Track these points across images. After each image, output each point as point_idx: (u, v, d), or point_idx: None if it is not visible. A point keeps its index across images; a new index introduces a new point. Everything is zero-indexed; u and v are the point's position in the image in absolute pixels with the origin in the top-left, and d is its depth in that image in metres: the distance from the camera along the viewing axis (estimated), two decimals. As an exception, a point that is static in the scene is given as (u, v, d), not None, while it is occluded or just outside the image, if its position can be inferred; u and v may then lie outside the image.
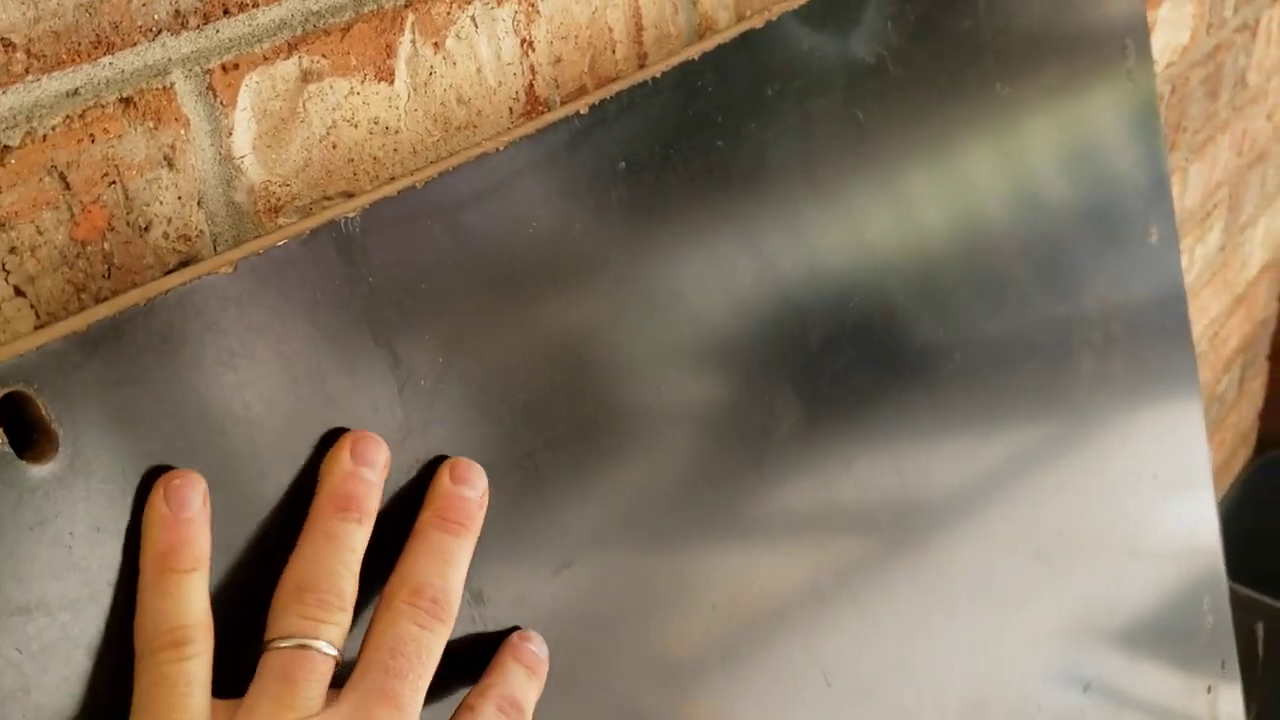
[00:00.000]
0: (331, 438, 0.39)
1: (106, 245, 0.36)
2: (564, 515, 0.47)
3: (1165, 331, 0.90)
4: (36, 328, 0.36)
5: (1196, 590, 0.98)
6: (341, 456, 0.37)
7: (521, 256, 0.44)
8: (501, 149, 0.43)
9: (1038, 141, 0.74)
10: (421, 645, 0.36)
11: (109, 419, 0.34)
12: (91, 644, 0.34)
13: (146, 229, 0.37)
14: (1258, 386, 1.72)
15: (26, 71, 0.34)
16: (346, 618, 0.36)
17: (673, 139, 0.50)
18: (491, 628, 0.44)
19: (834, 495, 0.60)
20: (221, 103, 0.38)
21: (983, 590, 0.72)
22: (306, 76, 0.40)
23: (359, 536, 0.37)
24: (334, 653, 0.35)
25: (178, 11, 0.36)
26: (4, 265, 0.34)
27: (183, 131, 0.37)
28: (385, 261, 0.40)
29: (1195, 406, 0.94)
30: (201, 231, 0.39)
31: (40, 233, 0.35)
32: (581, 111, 0.46)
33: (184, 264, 0.38)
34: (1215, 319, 1.42)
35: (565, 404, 0.46)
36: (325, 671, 0.35)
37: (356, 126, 0.42)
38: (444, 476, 0.40)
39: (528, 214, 0.44)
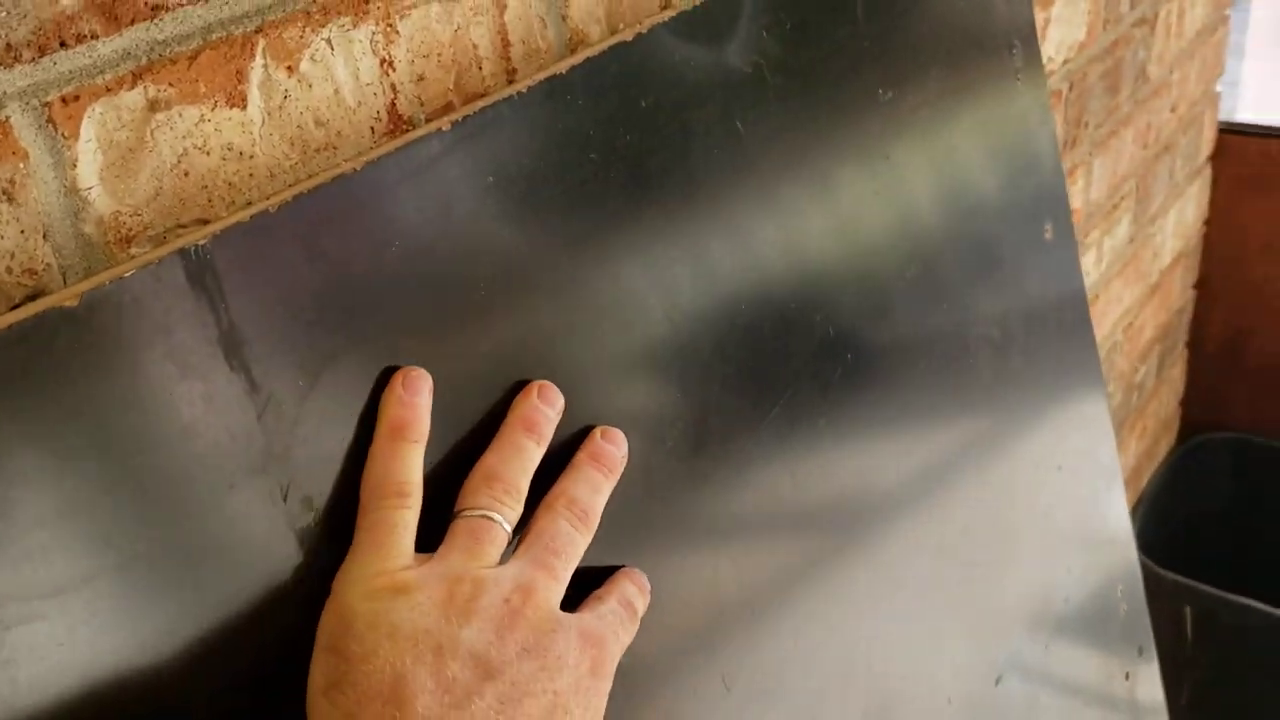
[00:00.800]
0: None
1: (-54, 282, 0.36)
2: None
3: (1064, 325, 0.91)
4: (-125, 368, 0.35)
5: (1110, 579, 1.00)
6: (530, 394, 0.48)
7: (385, 276, 0.44)
8: (359, 169, 0.43)
9: (925, 146, 0.75)
10: (573, 539, 0.46)
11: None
12: None
13: (-12, 264, 0.37)
14: (1177, 374, 1.76)
15: None
16: (520, 507, 0.45)
17: (543, 152, 0.50)
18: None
19: (729, 500, 0.61)
20: (63, 135, 0.38)
21: (889, 588, 0.73)
22: (153, 105, 0.40)
23: (536, 454, 0.47)
24: (509, 529, 0.44)
25: (9, 45, 0.36)
26: None
27: (21, 165, 0.37)
28: (240, 287, 0.40)
29: (1100, 398, 0.96)
30: (49, 265, 0.38)
31: (-127, 272, 0.34)
32: (444, 129, 0.46)
33: (31, 298, 0.38)
34: (1129, 309, 1.45)
35: (439, 421, 0.46)
36: (502, 540, 0.44)
37: (209, 153, 0.42)
38: (597, 435, 0.50)
39: (390, 233, 0.44)
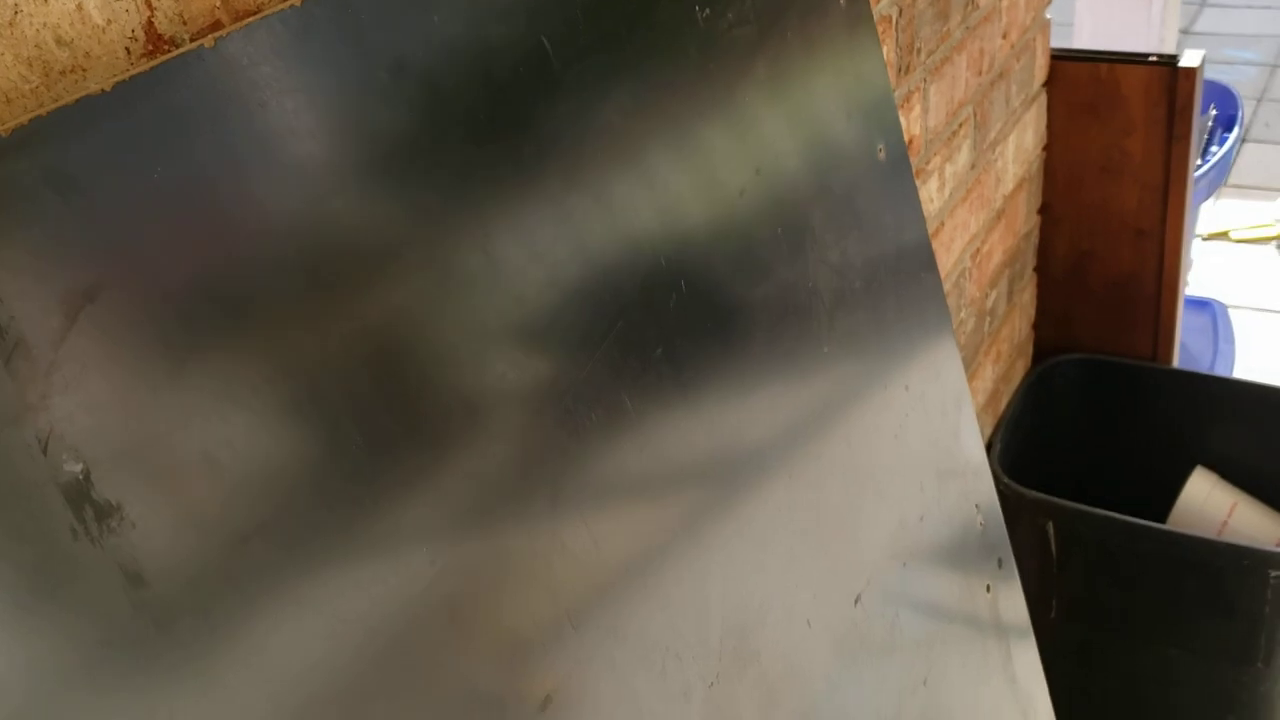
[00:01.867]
0: None
1: None
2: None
3: (904, 247, 0.91)
4: None
5: (965, 495, 1.01)
6: None
7: (149, 206, 0.41)
8: (108, 89, 0.40)
9: (749, 67, 0.73)
10: None
11: None
12: None
13: None
14: (1028, 298, 1.79)
15: None
16: None
17: (324, 71, 0.47)
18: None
19: (581, 449, 0.59)
20: None
21: (736, 522, 0.71)
22: None
23: None
24: None
25: None
26: None
27: None
28: (-31, 219, 0.36)
29: (944, 319, 0.97)
30: None
31: None
32: (207, 45, 0.43)
33: None
34: (976, 235, 1.47)
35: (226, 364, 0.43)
36: None
37: (-70, 76, 0.38)
38: None
39: (151, 160, 0.41)
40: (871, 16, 0.87)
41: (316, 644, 0.46)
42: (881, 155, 0.88)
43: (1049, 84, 1.69)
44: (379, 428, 0.49)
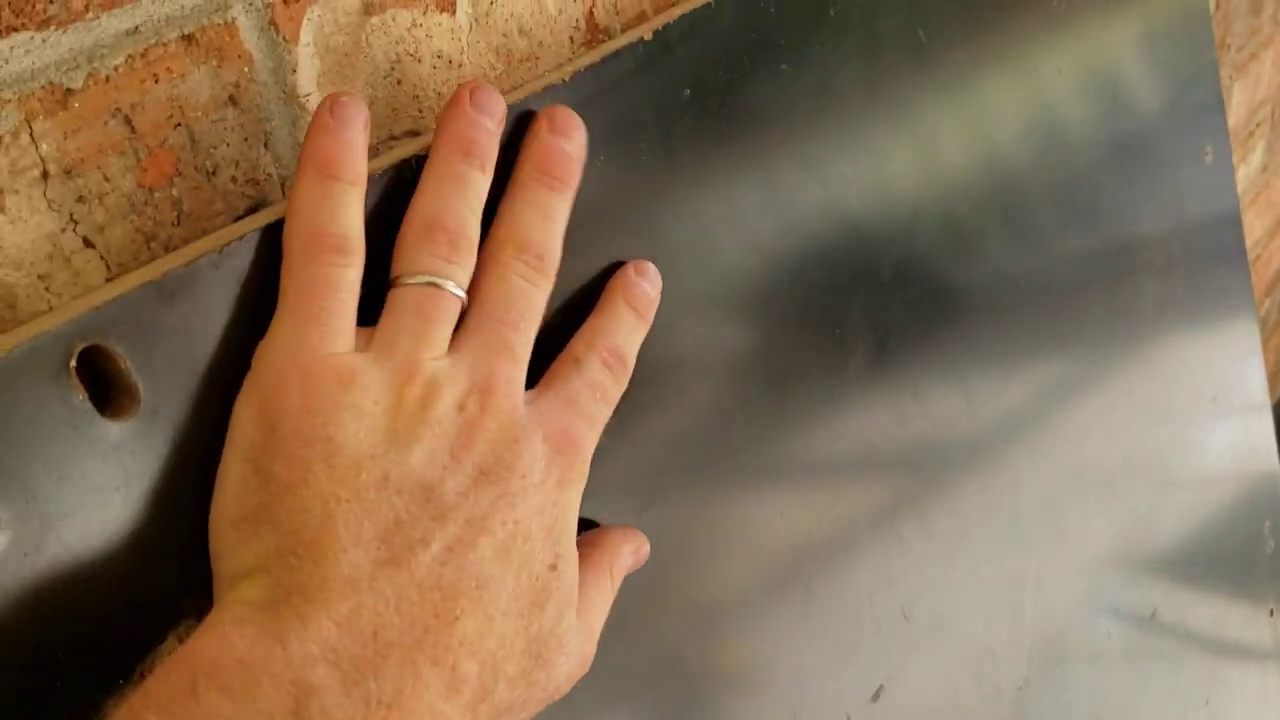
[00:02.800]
0: None
1: (175, 191, 0.35)
2: (640, 459, 0.46)
3: (1222, 251, 0.88)
4: (108, 280, 0.34)
5: (1257, 514, 0.97)
6: (462, 102, 0.36)
7: (588, 190, 0.43)
8: (567, 80, 0.42)
9: (1093, 58, 0.72)
10: (531, 299, 0.36)
11: (188, 371, 0.33)
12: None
13: (214, 173, 0.36)
14: (1299, 308, 1.70)
15: (86, 9, 0.32)
16: (472, 259, 0.35)
17: (737, 64, 0.48)
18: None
19: (904, 428, 0.59)
20: (284, 38, 0.37)
21: (1047, 520, 0.71)
22: (369, 9, 0.38)
23: (482, 184, 0.36)
24: (461, 295, 0.35)
25: (236, -57, 0.35)
26: (72, 216, 0.33)
27: (246, 69, 0.36)
28: (458, 199, 0.39)
29: (1252, 326, 0.93)
30: (269, 174, 0.37)
31: (107, 179, 0.34)
32: (646, 38, 0.44)
33: (253, 209, 0.37)
34: (1259, 240, 1.40)
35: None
36: (454, 313, 0.35)
37: (420, 61, 0.40)
38: (542, 127, 0.38)
39: (594, 146, 0.43)
40: (1209, 13, 0.83)
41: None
42: (1209, 157, 0.85)
43: (1345, 82, 1.58)
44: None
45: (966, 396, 0.62)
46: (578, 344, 0.39)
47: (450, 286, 0.35)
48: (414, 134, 0.41)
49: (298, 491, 0.31)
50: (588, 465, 0.37)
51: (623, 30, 0.47)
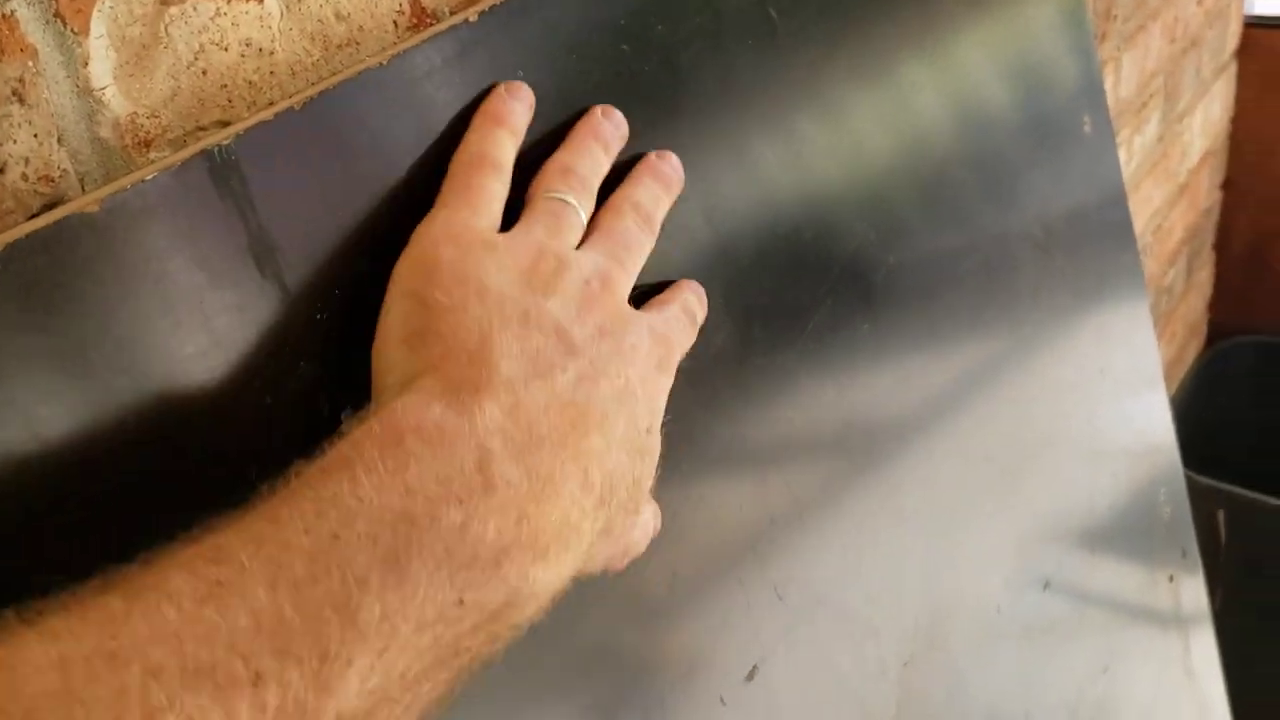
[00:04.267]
0: None
1: (-43, 191, 0.34)
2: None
3: (1106, 223, 0.88)
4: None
5: (1153, 483, 0.98)
6: (596, 112, 0.46)
7: (420, 175, 0.42)
8: (385, 63, 0.41)
9: (965, 37, 0.72)
10: (640, 240, 0.45)
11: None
12: None
13: (2, 170, 0.35)
14: (1205, 277, 1.73)
15: None
16: (591, 205, 0.44)
17: (573, 45, 0.48)
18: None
19: (773, 409, 0.59)
20: (73, 30, 0.36)
21: (935, 500, 0.71)
22: (165, -2, 0.37)
23: (605, 164, 0.46)
24: (584, 219, 0.43)
25: (8, -69, 0.33)
26: None
27: (30, 63, 0.35)
28: (267, 189, 0.38)
29: (1141, 298, 0.94)
30: (65, 171, 0.36)
31: (-120, 181, 0.32)
32: (470, 19, 0.44)
33: (49, 207, 0.36)
34: (1159, 210, 1.42)
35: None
36: (579, 228, 0.43)
37: (227, 50, 0.39)
38: (652, 156, 0.49)
39: (421, 130, 0.42)
40: (1082, -16, 0.84)
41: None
42: (1087, 128, 0.85)
43: (1240, 53, 1.61)
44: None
45: (841, 386, 0.62)
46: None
47: (578, 207, 0.43)
48: (224, 124, 0.40)
49: (458, 314, 0.37)
50: (675, 370, 0.44)
51: (451, 14, 0.46)
